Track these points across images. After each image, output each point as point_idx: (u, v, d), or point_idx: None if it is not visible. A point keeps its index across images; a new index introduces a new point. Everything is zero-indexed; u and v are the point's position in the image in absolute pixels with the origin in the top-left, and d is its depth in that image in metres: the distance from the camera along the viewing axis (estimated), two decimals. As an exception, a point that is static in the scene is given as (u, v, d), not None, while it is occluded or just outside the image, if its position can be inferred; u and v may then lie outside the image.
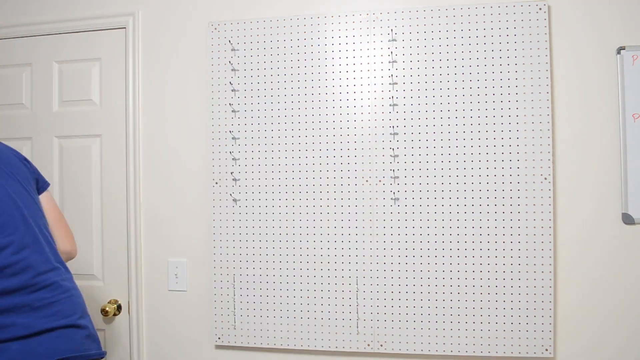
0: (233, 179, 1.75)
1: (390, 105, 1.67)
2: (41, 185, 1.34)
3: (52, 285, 1.16)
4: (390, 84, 1.67)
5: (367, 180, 1.67)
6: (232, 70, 1.76)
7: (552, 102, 1.60)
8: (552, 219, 1.57)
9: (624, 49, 1.58)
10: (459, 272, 1.61)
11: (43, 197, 1.33)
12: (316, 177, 1.70)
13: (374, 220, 1.66)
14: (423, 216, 1.63)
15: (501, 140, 1.60)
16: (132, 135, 1.86)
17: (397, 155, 1.66)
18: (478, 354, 1.59)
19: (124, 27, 1.89)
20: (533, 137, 1.59)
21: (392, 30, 1.67)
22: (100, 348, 1.22)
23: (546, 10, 1.59)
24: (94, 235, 1.90)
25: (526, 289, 1.57)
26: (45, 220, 1.28)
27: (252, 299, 1.73)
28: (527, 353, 1.57)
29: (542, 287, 1.57)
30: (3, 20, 1.98)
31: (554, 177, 1.59)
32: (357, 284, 1.67)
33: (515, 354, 1.57)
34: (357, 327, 1.67)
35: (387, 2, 1.72)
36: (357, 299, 1.67)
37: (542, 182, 1.58)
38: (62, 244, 1.32)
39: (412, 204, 1.64)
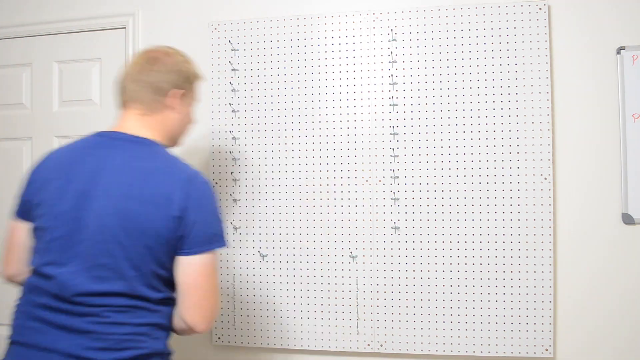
0: (233, 179, 1.75)
1: (390, 105, 1.67)
2: None
3: None
4: (390, 84, 1.67)
5: (367, 180, 1.67)
6: (232, 70, 1.76)
7: (552, 102, 1.60)
8: (552, 219, 1.57)
9: (624, 49, 1.58)
10: (459, 272, 1.61)
11: None
12: (316, 177, 1.70)
13: (374, 220, 1.66)
14: (423, 216, 1.63)
15: (501, 140, 1.60)
16: (132, 135, 1.86)
17: (397, 155, 1.66)
18: (478, 354, 1.59)
19: (124, 27, 1.89)
20: (533, 137, 1.58)
21: (392, 30, 1.67)
22: None
23: (546, 10, 1.59)
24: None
25: (526, 289, 1.57)
26: None
27: (252, 299, 1.73)
28: (527, 353, 1.57)
29: (542, 287, 1.56)
30: (3, 20, 1.98)
31: (554, 177, 1.59)
32: (357, 284, 1.67)
33: (515, 354, 1.57)
34: (357, 327, 1.67)
35: (387, 2, 1.72)
36: (357, 299, 1.67)
37: (542, 182, 1.58)
38: None
39: (412, 204, 1.64)
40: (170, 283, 1.12)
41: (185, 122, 1.28)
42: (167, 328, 1.15)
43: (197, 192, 1.11)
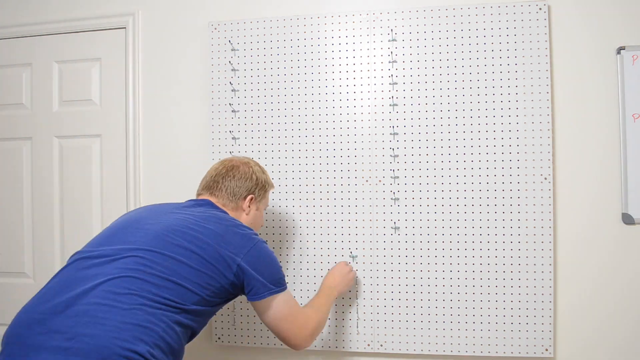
0: (233, 179, 1.75)
1: (390, 105, 1.67)
2: None
3: None
4: (390, 84, 1.67)
5: (367, 180, 1.67)
6: (232, 70, 1.77)
7: (552, 102, 1.60)
8: (552, 219, 1.57)
9: (624, 49, 1.58)
10: (459, 272, 1.61)
11: None
12: (316, 177, 1.70)
13: (374, 220, 1.66)
14: (423, 216, 1.63)
15: (501, 140, 1.60)
16: (132, 135, 1.86)
17: (397, 155, 1.66)
18: (478, 354, 1.59)
19: (124, 27, 1.89)
20: (533, 137, 1.58)
21: (392, 30, 1.67)
22: None
23: (546, 10, 1.59)
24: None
25: (526, 289, 1.57)
26: None
27: (252, 299, 1.73)
28: (527, 353, 1.57)
29: (542, 287, 1.56)
30: (3, 20, 1.98)
31: (554, 177, 1.59)
32: (357, 284, 1.67)
33: (515, 354, 1.57)
34: (357, 327, 1.67)
35: (387, 2, 1.72)
36: (357, 299, 1.67)
37: (542, 182, 1.58)
38: None
39: (412, 204, 1.64)
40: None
41: (255, 224, 1.42)
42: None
43: (254, 252, 1.24)
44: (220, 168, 1.40)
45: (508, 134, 1.60)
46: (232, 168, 1.39)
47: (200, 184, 1.42)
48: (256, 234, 1.29)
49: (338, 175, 1.69)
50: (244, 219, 1.37)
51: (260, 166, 1.45)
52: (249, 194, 1.38)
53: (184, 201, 1.37)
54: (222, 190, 1.36)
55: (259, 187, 1.40)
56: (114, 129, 1.89)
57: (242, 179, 1.37)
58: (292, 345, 1.29)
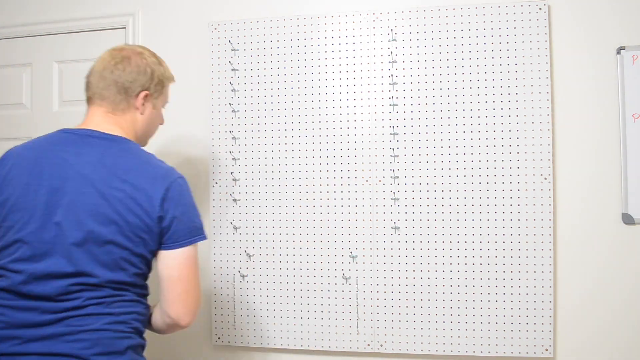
0: (233, 179, 1.75)
1: (390, 105, 1.67)
2: None
3: None
4: (390, 84, 1.67)
5: (367, 180, 1.67)
6: (232, 70, 1.77)
7: (552, 102, 1.60)
8: (552, 219, 1.57)
9: (624, 49, 1.58)
10: (459, 272, 1.61)
11: None
12: (316, 177, 1.70)
13: (374, 220, 1.66)
14: (423, 216, 1.63)
15: (501, 140, 1.60)
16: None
17: (397, 155, 1.66)
18: (478, 354, 1.59)
19: (124, 27, 1.89)
20: (533, 137, 1.58)
21: (392, 30, 1.67)
22: None
23: (546, 10, 1.59)
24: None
25: (526, 289, 1.57)
26: None
27: (252, 299, 1.73)
28: (527, 353, 1.57)
29: (542, 287, 1.56)
30: (3, 20, 1.98)
31: (554, 177, 1.59)
32: (357, 284, 1.67)
33: (515, 354, 1.57)
34: (357, 327, 1.67)
35: (387, 2, 1.72)
36: (357, 299, 1.67)
37: (542, 182, 1.58)
38: None
39: (412, 204, 1.64)
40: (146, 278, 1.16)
41: (153, 124, 1.28)
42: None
43: (175, 189, 1.12)
44: (107, 58, 1.20)
45: (508, 134, 1.60)
46: (122, 60, 1.18)
47: (85, 84, 1.24)
48: (172, 168, 1.19)
49: (338, 175, 1.69)
50: (140, 119, 1.21)
51: (157, 57, 1.26)
52: (142, 90, 1.19)
53: (55, 133, 1.19)
54: (110, 87, 1.17)
55: (155, 82, 1.22)
56: (114, 129, 1.89)
57: (133, 72, 1.18)
58: (179, 315, 1.13)
